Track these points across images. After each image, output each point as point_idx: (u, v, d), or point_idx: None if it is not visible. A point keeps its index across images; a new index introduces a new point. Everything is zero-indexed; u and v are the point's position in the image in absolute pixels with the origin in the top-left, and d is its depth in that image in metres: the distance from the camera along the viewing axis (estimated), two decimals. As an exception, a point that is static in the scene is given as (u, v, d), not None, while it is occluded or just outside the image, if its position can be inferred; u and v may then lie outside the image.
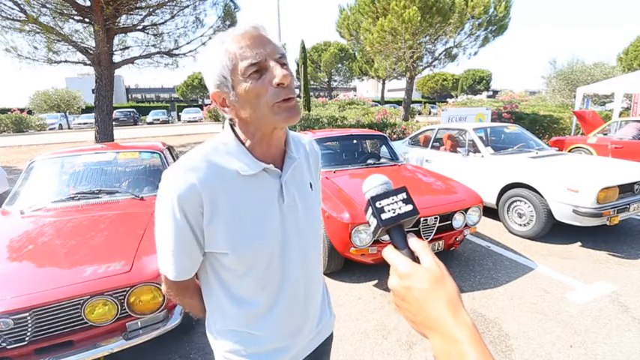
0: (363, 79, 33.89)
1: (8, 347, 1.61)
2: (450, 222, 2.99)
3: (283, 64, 0.69)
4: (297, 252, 0.81)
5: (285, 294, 0.80)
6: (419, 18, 9.83)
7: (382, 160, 4.34)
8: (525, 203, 3.92)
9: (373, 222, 0.53)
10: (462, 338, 0.41)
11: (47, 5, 6.60)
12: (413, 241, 0.51)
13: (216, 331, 0.83)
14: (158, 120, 28.76)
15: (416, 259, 0.50)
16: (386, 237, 0.54)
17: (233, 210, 0.71)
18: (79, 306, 1.69)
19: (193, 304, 0.85)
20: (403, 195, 0.54)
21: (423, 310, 0.45)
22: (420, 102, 37.37)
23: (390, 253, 0.51)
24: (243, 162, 0.73)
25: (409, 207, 0.53)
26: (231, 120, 0.76)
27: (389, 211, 0.52)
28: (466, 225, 3.08)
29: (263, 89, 0.67)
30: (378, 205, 0.53)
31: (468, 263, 3.38)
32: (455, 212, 2.99)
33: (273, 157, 0.78)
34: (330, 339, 1.02)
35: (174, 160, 2.92)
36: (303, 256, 0.83)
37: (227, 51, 0.67)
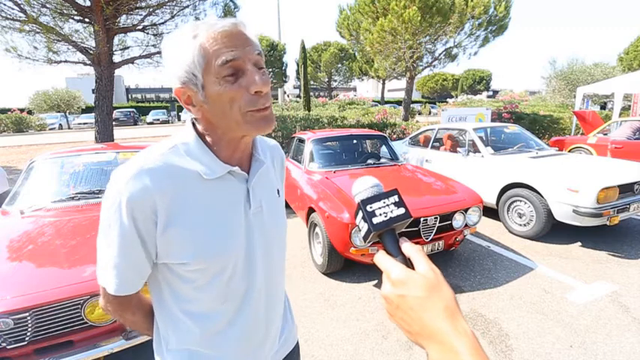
0: (363, 79, 33.90)
1: (8, 347, 1.61)
2: (450, 222, 2.99)
3: (261, 68, 0.64)
4: (262, 261, 0.75)
5: (247, 308, 0.74)
6: (419, 18, 9.83)
7: (382, 160, 4.34)
8: (525, 203, 3.92)
9: (364, 227, 0.51)
10: (461, 349, 0.38)
11: (47, 5, 6.58)
12: (406, 246, 0.48)
13: (167, 352, 0.74)
14: (158, 120, 28.77)
15: (409, 264, 0.47)
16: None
17: (193, 216, 0.65)
18: (79, 306, 1.69)
19: (135, 321, 0.75)
20: (395, 197, 0.51)
21: (419, 319, 0.42)
22: (420, 102, 37.38)
23: (382, 259, 0.48)
24: (206, 164, 0.66)
25: (401, 210, 0.50)
26: (196, 119, 0.70)
27: (380, 214, 0.50)
28: (466, 225, 3.08)
29: (238, 94, 0.61)
30: (368, 208, 0.50)
31: (468, 263, 3.38)
32: (455, 212, 2.99)
33: (239, 160, 0.72)
34: (296, 349, 0.95)
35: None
36: (268, 265, 0.77)
37: (200, 46, 0.60)
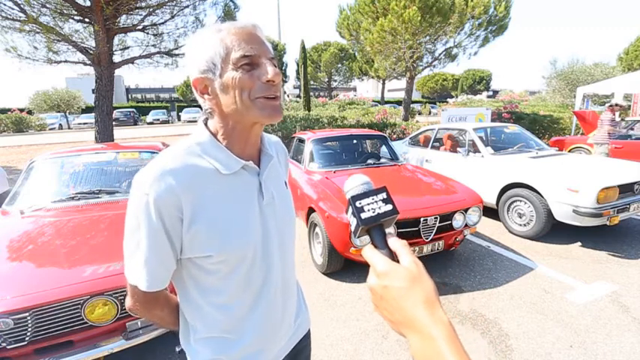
0: (363, 79, 33.89)
1: (8, 347, 1.61)
2: (450, 222, 2.99)
3: (274, 65, 0.70)
4: (277, 249, 0.81)
5: (266, 293, 0.79)
6: (419, 18, 9.83)
7: (382, 160, 4.34)
8: (525, 203, 3.92)
9: (353, 221, 0.54)
10: (438, 336, 0.41)
11: (47, 5, 6.58)
12: (392, 241, 0.51)
13: (194, 341, 0.79)
14: (158, 120, 28.74)
15: (396, 259, 0.50)
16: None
17: (214, 210, 0.70)
18: (79, 306, 1.69)
19: (163, 316, 0.81)
20: (383, 195, 0.54)
21: (401, 308, 0.45)
22: (420, 102, 37.35)
23: (369, 252, 0.51)
24: (221, 160, 0.71)
25: (389, 207, 0.53)
26: (209, 112, 0.74)
27: (368, 210, 0.53)
28: (466, 225, 3.08)
29: (251, 82, 0.67)
30: (358, 204, 0.53)
31: (467, 263, 3.38)
32: (455, 212, 2.98)
33: (250, 154, 0.77)
34: (308, 334, 1.01)
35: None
36: (283, 253, 0.83)
37: (222, 39, 0.67)
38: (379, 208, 0.53)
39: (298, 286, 1.01)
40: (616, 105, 6.13)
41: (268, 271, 0.79)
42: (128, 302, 0.75)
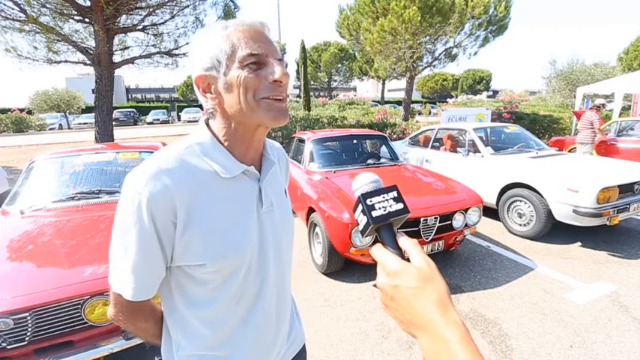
0: (363, 79, 33.89)
1: (8, 347, 1.61)
2: (450, 222, 2.99)
3: (282, 66, 0.67)
4: (273, 260, 0.76)
5: (260, 306, 0.74)
6: (419, 18, 9.82)
7: (382, 160, 4.34)
8: (525, 203, 3.92)
9: (363, 220, 0.52)
10: (451, 338, 0.39)
11: (47, 5, 6.59)
12: (403, 240, 0.50)
13: (178, 358, 0.73)
14: (158, 120, 28.74)
15: (406, 258, 0.48)
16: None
17: (210, 216, 0.65)
18: (79, 306, 1.69)
19: (147, 329, 0.74)
20: (394, 193, 0.53)
21: (412, 309, 0.44)
22: (420, 102, 37.36)
23: (378, 251, 0.50)
24: (221, 163, 0.67)
25: (400, 205, 0.52)
26: (210, 112, 0.70)
27: (380, 208, 0.51)
28: (466, 225, 3.08)
29: (257, 82, 0.63)
30: (368, 202, 0.51)
31: (467, 263, 3.38)
32: (455, 212, 2.99)
33: (251, 159, 0.73)
34: (303, 350, 0.95)
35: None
36: (279, 264, 0.78)
37: (229, 36, 0.64)
38: (390, 206, 0.51)
39: (292, 300, 0.96)
40: (602, 105, 6.18)
41: (263, 283, 0.74)
42: (110, 312, 0.69)
